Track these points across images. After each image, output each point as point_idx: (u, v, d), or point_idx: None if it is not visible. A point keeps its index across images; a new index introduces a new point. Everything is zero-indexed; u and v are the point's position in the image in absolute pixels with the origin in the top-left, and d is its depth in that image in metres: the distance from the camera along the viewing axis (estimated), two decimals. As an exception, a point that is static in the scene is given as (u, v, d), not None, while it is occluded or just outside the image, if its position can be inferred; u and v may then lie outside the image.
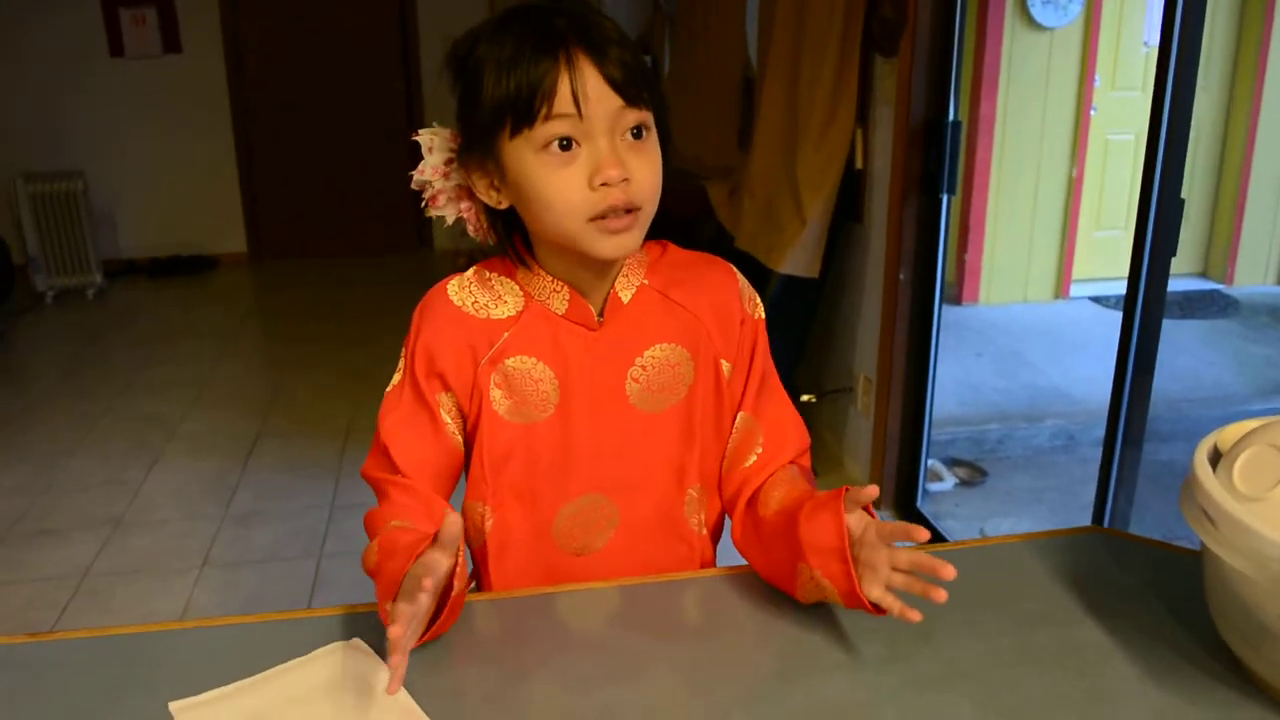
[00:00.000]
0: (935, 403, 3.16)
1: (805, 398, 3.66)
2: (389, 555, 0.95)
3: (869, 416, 3.23)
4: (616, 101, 1.00)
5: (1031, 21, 4.85)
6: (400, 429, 1.12)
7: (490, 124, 1.02)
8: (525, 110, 1.00)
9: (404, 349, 1.14)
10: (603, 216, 1.02)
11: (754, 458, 1.17)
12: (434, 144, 1.09)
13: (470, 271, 1.15)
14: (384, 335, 5.15)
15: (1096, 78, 5.07)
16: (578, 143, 1.01)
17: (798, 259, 3.20)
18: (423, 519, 1.05)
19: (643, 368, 1.14)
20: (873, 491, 0.96)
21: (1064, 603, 1.04)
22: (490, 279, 1.14)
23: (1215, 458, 0.91)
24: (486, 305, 1.12)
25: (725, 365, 1.17)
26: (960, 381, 4.17)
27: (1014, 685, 0.91)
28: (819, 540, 0.97)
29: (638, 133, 1.03)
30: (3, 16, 5.90)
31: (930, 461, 3.29)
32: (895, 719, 0.87)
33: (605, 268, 1.11)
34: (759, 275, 3.31)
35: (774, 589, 1.07)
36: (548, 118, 1.00)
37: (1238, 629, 0.87)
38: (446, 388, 1.12)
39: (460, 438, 1.14)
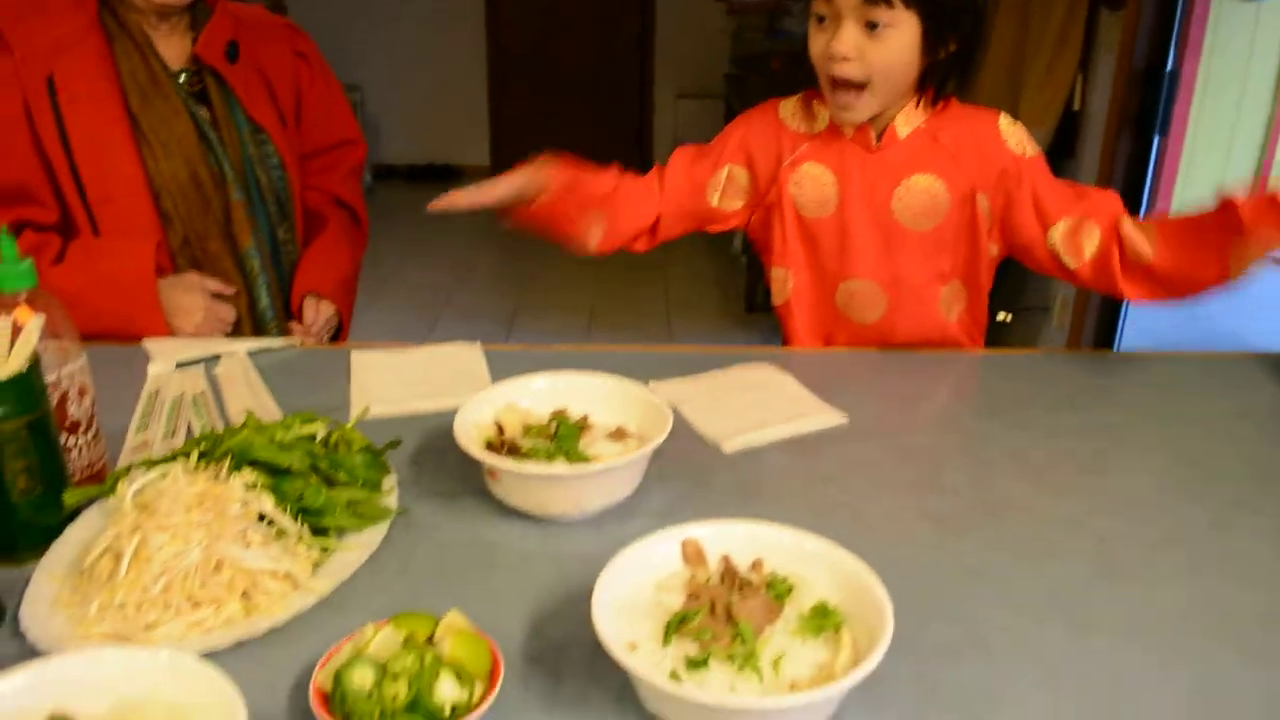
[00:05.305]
0: (1128, 335, 3.33)
1: (1001, 316, 3.87)
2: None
3: (1064, 332, 3.44)
4: None
5: (1242, -8, 4.81)
6: (683, 155, 1.44)
7: None
8: None
9: (723, 131, 1.44)
10: (835, 85, 1.29)
11: (1093, 244, 1.32)
12: None
13: (801, 95, 1.44)
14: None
15: (1302, 53, 4.99)
16: (830, 19, 1.27)
17: (1013, 187, 3.40)
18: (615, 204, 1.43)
19: (907, 188, 1.36)
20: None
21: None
22: (812, 104, 1.43)
23: None
24: (801, 123, 1.42)
25: (983, 199, 1.36)
26: (1154, 316, 4.25)
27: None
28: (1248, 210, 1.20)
29: (873, 25, 1.25)
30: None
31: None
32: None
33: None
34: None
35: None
36: None
37: None
38: (749, 164, 1.42)
39: (707, 202, 1.44)
